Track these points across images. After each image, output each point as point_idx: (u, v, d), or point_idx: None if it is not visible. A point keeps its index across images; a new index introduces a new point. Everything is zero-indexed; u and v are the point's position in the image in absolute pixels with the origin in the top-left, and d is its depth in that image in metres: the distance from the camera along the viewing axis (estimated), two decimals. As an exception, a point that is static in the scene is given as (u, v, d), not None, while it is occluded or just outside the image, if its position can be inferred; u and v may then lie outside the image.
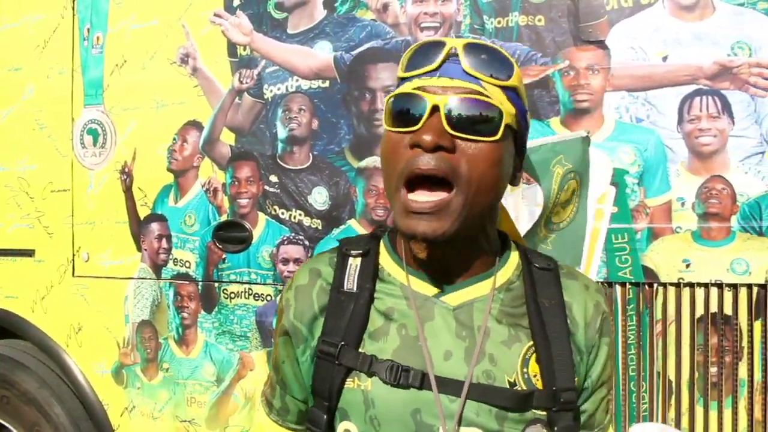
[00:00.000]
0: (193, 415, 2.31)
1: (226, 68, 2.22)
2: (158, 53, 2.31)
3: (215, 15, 2.23)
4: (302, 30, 2.13)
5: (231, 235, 2.22)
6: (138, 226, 2.37)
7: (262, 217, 2.19)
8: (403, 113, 0.88)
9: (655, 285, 1.83)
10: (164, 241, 2.32)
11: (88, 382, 2.45)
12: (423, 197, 0.85)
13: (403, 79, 0.92)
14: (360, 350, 0.90)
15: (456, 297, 0.93)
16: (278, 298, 1.08)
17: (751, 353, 1.77)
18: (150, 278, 2.35)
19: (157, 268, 2.34)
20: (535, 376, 0.90)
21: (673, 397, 1.83)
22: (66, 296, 2.48)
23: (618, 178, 1.83)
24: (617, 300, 1.86)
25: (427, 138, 0.83)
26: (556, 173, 1.59)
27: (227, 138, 2.23)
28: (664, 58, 1.80)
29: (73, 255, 2.46)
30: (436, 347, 0.90)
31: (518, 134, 0.93)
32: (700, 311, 1.80)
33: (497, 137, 0.87)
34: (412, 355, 0.89)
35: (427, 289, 0.93)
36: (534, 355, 0.90)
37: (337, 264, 0.96)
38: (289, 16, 2.15)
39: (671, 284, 1.82)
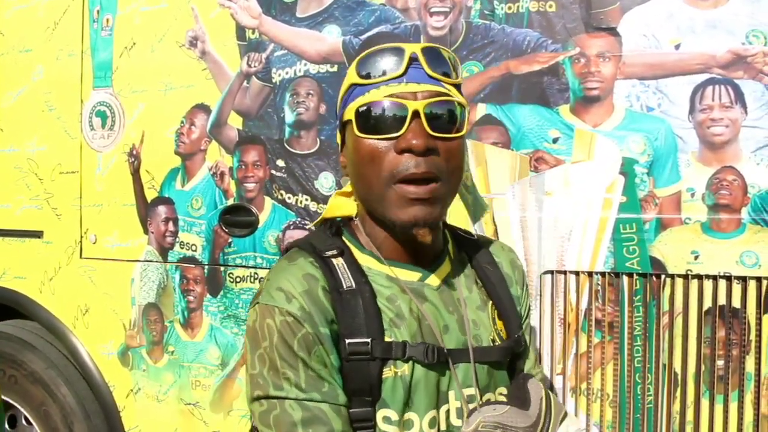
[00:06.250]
0: (198, 398, 2.32)
1: (235, 52, 2.21)
2: (167, 36, 2.31)
3: (224, -2, 2.22)
4: (311, 14, 2.11)
5: (237, 219, 2.22)
6: (145, 209, 2.37)
7: (268, 202, 2.19)
8: (382, 121, 0.94)
9: (663, 276, 1.81)
10: (171, 224, 2.33)
11: (95, 363, 2.47)
12: (419, 188, 0.95)
13: (360, 86, 0.98)
14: (387, 340, 0.96)
15: (434, 278, 1.04)
16: (269, 319, 0.98)
17: (758, 347, 1.75)
18: (156, 261, 2.36)
19: (164, 251, 2.34)
20: (500, 330, 1.05)
21: (679, 389, 1.81)
22: (73, 278, 2.49)
23: (627, 168, 1.81)
24: (624, 291, 1.84)
25: (419, 143, 0.92)
26: None
27: (235, 122, 2.22)
28: (677, 46, 1.77)
29: (81, 237, 2.47)
30: (437, 324, 1.00)
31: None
32: (708, 304, 1.78)
33: (464, 132, 0.99)
34: (427, 335, 0.98)
35: (411, 276, 1.02)
36: (496, 311, 1.06)
37: (322, 267, 0.98)
38: (298, -1, 2.13)
39: (679, 276, 1.79)
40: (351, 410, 0.95)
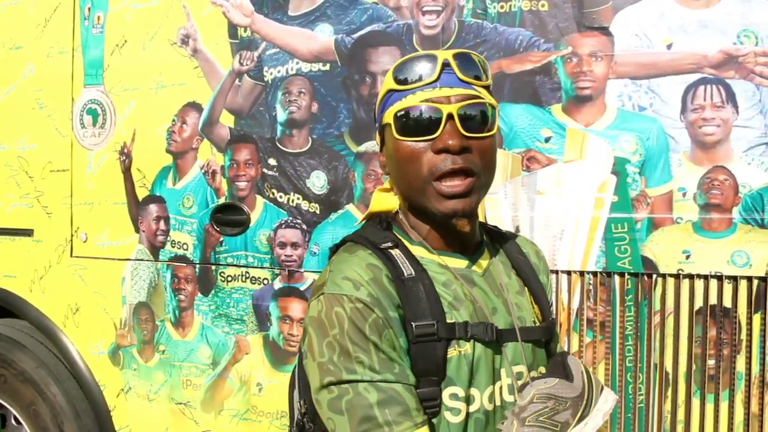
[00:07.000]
0: (189, 397, 2.31)
1: (227, 50, 2.21)
2: (159, 34, 2.30)
3: (216, -5, 2.21)
4: (303, 12, 2.11)
5: (229, 217, 2.21)
6: (136, 208, 2.36)
7: (260, 201, 2.18)
8: (418, 124, 1.03)
9: (654, 276, 1.81)
10: (162, 222, 2.31)
11: (85, 362, 2.46)
12: (456, 182, 1.03)
13: (397, 91, 1.07)
14: (448, 321, 1.03)
15: (479, 266, 1.12)
16: (337, 307, 1.01)
17: (749, 346, 1.75)
18: (147, 260, 2.34)
19: (155, 249, 2.33)
20: (537, 314, 1.14)
21: (670, 389, 1.81)
22: (64, 276, 2.48)
23: (619, 167, 1.81)
24: (615, 290, 1.84)
25: (455, 143, 1.01)
26: None
27: (226, 120, 2.22)
28: (669, 46, 1.77)
29: (72, 235, 2.46)
30: (486, 306, 1.07)
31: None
32: (699, 303, 1.79)
33: (495, 130, 1.06)
34: (480, 317, 1.06)
35: (459, 263, 1.10)
36: (531, 297, 1.15)
37: (382, 258, 1.05)
38: (291, -3, 2.13)
39: (671, 275, 1.80)
40: (418, 390, 1.01)
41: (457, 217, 1.04)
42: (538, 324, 1.13)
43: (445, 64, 1.05)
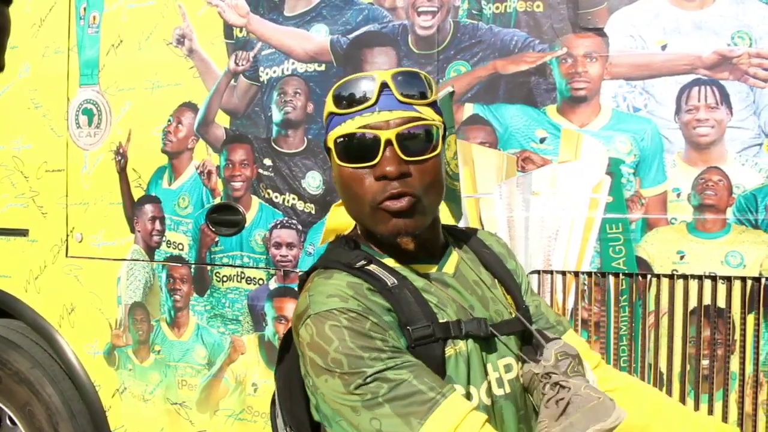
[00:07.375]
0: (184, 397, 2.30)
1: (222, 50, 2.20)
2: (154, 34, 2.29)
3: (212, -4, 2.21)
4: (299, 12, 2.11)
5: (224, 218, 2.21)
6: (132, 208, 2.36)
7: (255, 201, 2.18)
8: (358, 150, 1.01)
9: (649, 276, 1.81)
10: (157, 222, 2.31)
11: (80, 362, 2.45)
12: (399, 202, 1.01)
13: (337, 115, 1.04)
14: (441, 321, 1.03)
15: (447, 267, 1.12)
16: (330, 322, 0.98)
17: (743, 347, 1.76)
18: (143, 260, 2.34)
19: (150, 250, 2.33)
20: (511, 304, 1.14)
21: (664, 389, 1.82)
22: (59, 276, 2.47)
23: (613, 168, 1.81)
24: (610, 290, 1.84)
25: (392, 169, 0.99)
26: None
27: (222, 120, 2.22)
28: (663, 47, 1.77)
29: (67, 235, 2.45)
30: (464, 305, 1.08)
31: (444, 131, 1.10)
32: (693, 303, 1.79)
33: (439, 150, 1.04)
34: (462, 315, 1.06)
35: (430, 269, 1.11)
36: (503, 289, 1.16)
37: (360, 275, 1.03)
38: (286, -2, 2.13)
39: (665, 276, 1.80)
40: None
41: (400, 236, 1.02)
42: (513, 315, 1.12)
43: (384, 86, 1.02)
